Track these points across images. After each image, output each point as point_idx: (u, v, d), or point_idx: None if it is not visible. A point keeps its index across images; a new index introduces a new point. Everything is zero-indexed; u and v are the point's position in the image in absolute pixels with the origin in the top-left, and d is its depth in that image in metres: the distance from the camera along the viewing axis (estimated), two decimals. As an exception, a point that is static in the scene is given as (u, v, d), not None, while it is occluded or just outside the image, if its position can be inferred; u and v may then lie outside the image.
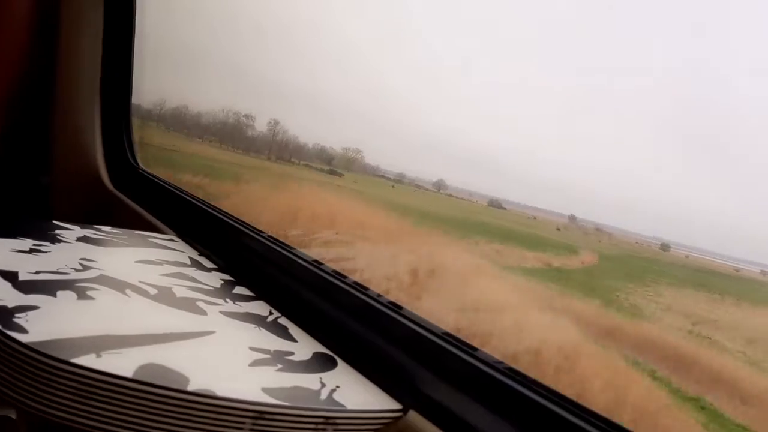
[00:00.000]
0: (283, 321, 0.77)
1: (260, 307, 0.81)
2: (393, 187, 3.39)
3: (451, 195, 3.32)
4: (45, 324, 0.57)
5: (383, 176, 3.51)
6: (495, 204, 3.15)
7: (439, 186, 3.31)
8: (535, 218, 3.00)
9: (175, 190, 1.28)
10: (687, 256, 2.31)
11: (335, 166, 3.58)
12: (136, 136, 1.49)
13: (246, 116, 3.48)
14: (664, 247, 2.36)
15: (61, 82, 1.39)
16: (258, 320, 0.76)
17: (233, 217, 1.09)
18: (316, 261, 0.87)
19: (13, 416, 0.75)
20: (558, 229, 2.84)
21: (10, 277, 0.67)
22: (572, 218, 2.88)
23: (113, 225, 1.05)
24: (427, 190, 3.38)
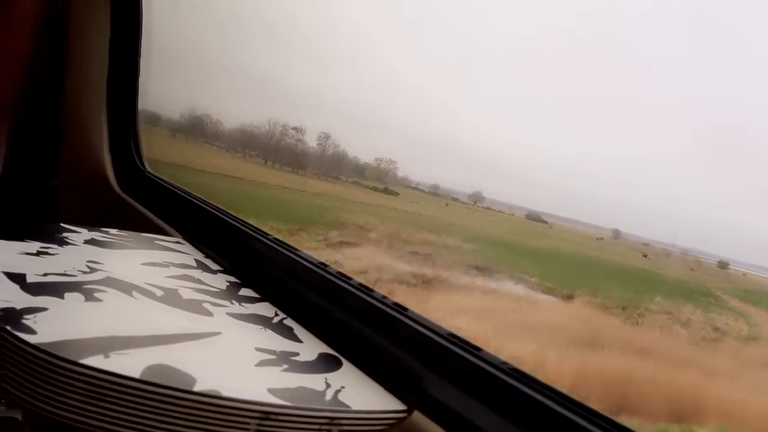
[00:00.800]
0: (289, 322, 0.78)
1: (266, 309, 0.81)
2: (447, 205, 3.18)
3: (489, 208, 3.12)
4: (53, 325, 0.57)
5: (416, 188, 3.31)
6: (534, 217, 3.01)
7: (476, 198, 3.15)
8: (601, 239, 2.80)
9: (182, 193, 1.29)
10: (744, 274, 2.16)
11: (367, 177, 3.34)
12: (164, 154, 1.48)
13: (295, 129, 3.26)
14: (722, 264, 2.25)
15: (68, 86, 1.41)
16: (263, 321, 0.76)
17: (239, 219, 1.10)
18: (321, 263, 0.88)
19: (19, 417, 0.76)
20: (645, 256, 2.60)
21: (19, 279, 0.68)
22: (616, 232, 2.73)
23: (120, 227, 1.06)
24: (464, 203, 3.15)
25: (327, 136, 3.15)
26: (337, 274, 0.83)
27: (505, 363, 0.59)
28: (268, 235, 1.01)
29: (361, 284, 0.80)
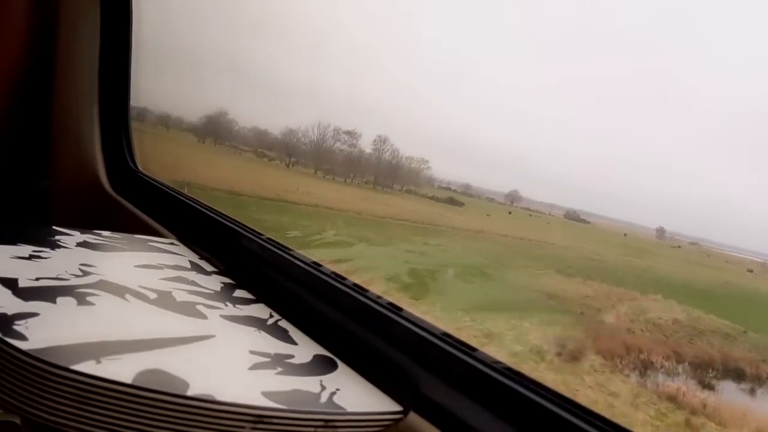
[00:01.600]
0: (284, 324, 0.77)
1: (260, 310, 0.81)
2: (510, 213, 2.96)
3: (528, 208, 2.97)
4: (45, 331, 0.57)
5: (449, 188, 3.13)
6: (573, 216, 2.92)
7: (512, 198, 3.02)
8: (678, 247, 2.68)
9: (175, 194, 1.28)
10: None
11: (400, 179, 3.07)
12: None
13: (348, 133, 3.00)
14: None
15: (59, 86, 1.40)
16: (258, 323, 0.76)
17: (233, 220, 1.10)
18: (315, 263, 0.87)
19: (17, 422, 0.76)
20: (750, 271, 2.45)
21: (10, 284, 0.67)
22: (660, 231, 2.67)
23: (113, 229, 1.05)
24: (502, 203, 2.98)
25: (384, 140, 2.92)
26: (332, 275, 0.83)
27: (499, 362, 0.59)
28: (262, 235, 1.00)
29: (355, 284, 0.79)
